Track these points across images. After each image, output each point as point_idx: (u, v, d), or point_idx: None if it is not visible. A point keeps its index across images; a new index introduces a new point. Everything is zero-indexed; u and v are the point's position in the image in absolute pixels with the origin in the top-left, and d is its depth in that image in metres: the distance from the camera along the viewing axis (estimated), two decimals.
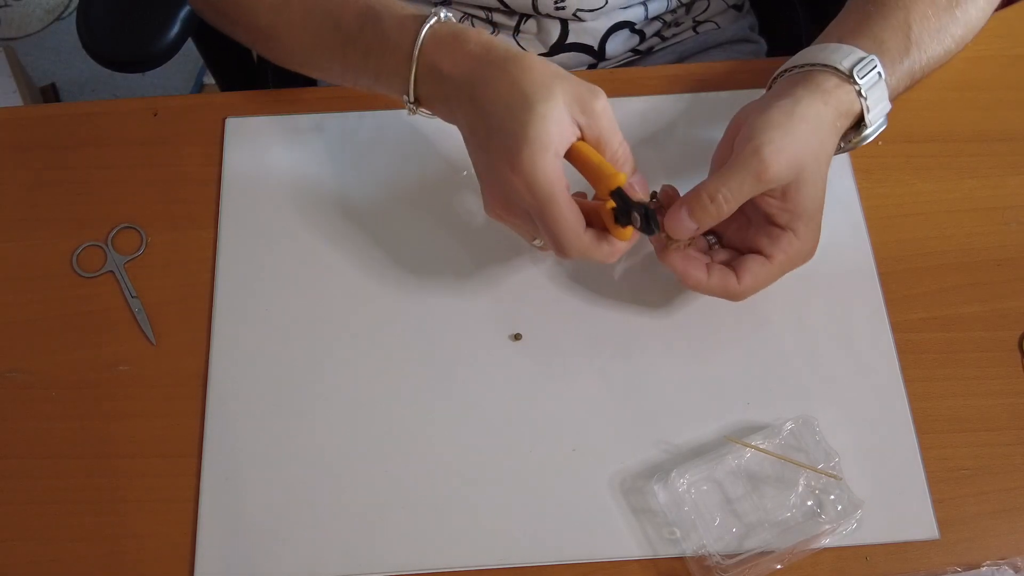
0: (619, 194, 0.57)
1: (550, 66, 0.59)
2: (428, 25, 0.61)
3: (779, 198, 0.60)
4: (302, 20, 0.67)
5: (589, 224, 0.59)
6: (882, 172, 0.73)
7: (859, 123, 0.64)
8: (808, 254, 0.63)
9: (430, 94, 0.62)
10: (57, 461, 0.65)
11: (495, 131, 0.57)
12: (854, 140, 0.65)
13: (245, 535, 0.62)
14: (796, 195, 0.60)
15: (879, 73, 0.62)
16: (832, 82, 0.62)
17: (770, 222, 0.62)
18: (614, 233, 0.59)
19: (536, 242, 0.64)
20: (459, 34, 0.60)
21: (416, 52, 0.61)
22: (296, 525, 0.62)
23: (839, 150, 0.64)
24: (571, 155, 0.59)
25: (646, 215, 0.57)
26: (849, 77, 0.62)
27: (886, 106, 0.64)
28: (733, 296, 0.62)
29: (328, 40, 0.66)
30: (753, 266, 0.62)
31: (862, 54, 0.62)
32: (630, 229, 0.58)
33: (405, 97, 0.63)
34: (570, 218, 0.57)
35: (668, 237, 0.61)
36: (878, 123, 0.64)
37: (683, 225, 0.60)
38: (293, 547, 0.62)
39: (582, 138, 0.59)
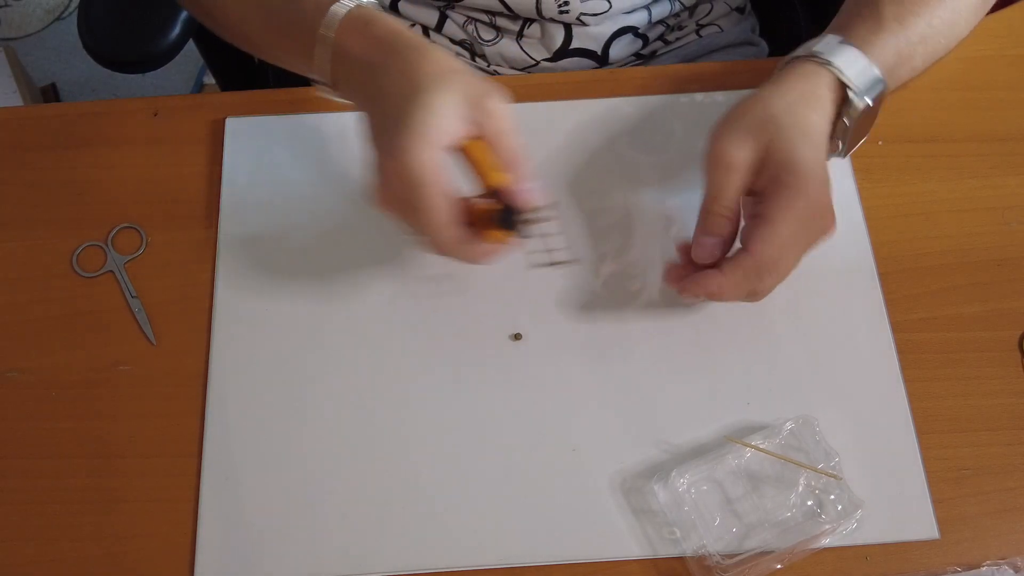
0: (496, 196, 0.56)
1: (451, 61, 0.58)
2: (342, 5, 0.60)
3: (762, 164, 0.59)
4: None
5: (474, 225, 0.58)
6: (882, 172, 0.73)
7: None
8: (817, 209, 0.59)
9: (339, 76, 0.61)
10: (57, 461, 0.65)
11: (383, 117, 0.57)
12: (851, 111, 0.62)
13: (245, 535, 0.62)
14: (774, 148, 0.58)
15: (839, 41, 0.62)
16: (790, 64, 0.63)
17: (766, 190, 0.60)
18: (486, 235, 0.58)
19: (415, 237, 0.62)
20: (371, 19, 0.60)
21: (326, 32, 0.60)
22: (296, 525, 0.62)
23: (848, 132, 0.62)
24: (464, 152, 0.58)
25: (512, 217, 0.56)
26: (809, 55, 0.62)
27: (867, 68, 0.62)
28: (757, 278, 0.59)
29: (255, 15, 0.66)
30: (758, 231, 0.58)
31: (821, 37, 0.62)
32: (502, 232, 0.58)
33: (319, 78, 0.62)
34: (439, 210, 0.56)
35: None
36: (868, 84, 0.62)
37: (700, 242, 0.61)
38: (293, 547, 0.62)
39: (478, 136, 0.58)
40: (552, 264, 0.60)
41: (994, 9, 0.73)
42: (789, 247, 0.59)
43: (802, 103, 0.61)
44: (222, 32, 0.72)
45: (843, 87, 0.62)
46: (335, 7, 0.60)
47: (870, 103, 0.62)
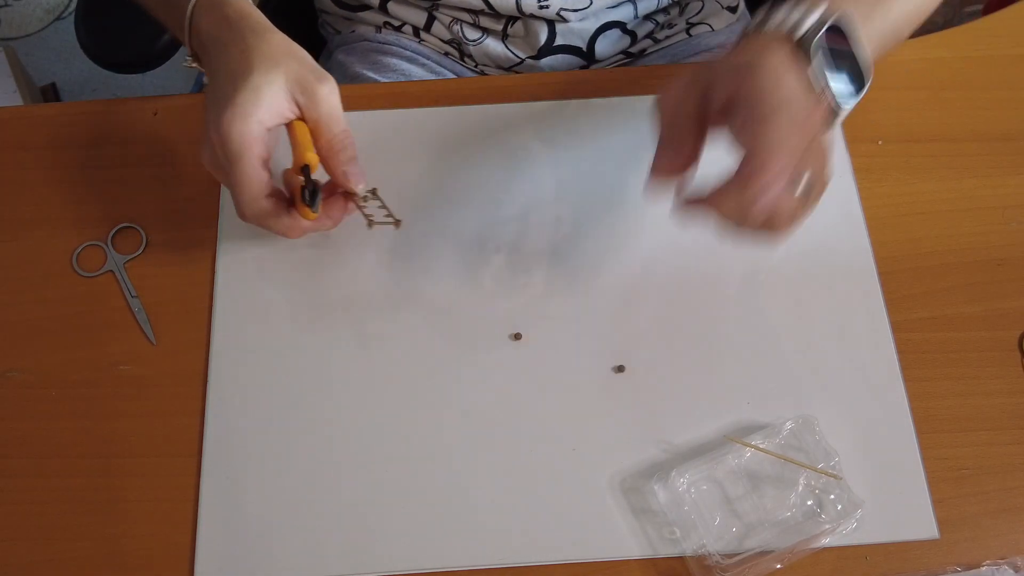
0: (305, 173, 0.61)
1: (288, 45, 0.63)
2: None
3: (732, 103, 0.56)
4: None
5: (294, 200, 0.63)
6: (882, 172, 0.73)
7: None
8: (798, 119, 0.55)
9: (195, 50, 0.66)
10: (57, 461, 0.65)
11: (216, 90, 0.61)
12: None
13: (245, 535, 0.62)
14: (743, 86, 0.55)
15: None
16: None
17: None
18: (300, 210, 0.63)
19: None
20: (224, 1, 0.64)
21: (189, 9, 0.64)
22: (296, 525, 0.62)
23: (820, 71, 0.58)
24: (288, 130, 0.63)
25: (312, 192, 0.61)
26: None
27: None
28: (752, 180, 0.54)
29: None
30: (742, 149, 0.55)
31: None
32: (308, 208, 0.62)
33: (186, 51, 0.67)
34: (251, 180, 0.60)
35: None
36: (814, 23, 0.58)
37: (658, 153, 0.59)
38: (293, 547, 0.62)
39: (302, 119, 0.63)
40: (370, 224, 0.66)
41: (994, 9, 0.73)
42: (774, 153, 0.54)
43: (763, 40, 0.57)
44: None
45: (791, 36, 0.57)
46: None
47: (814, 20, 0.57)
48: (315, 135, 0.63)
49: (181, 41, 0.67)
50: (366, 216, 0.66)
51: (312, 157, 0.62)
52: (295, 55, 0.62)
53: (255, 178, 0.61)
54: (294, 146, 0.63)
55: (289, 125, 0.63)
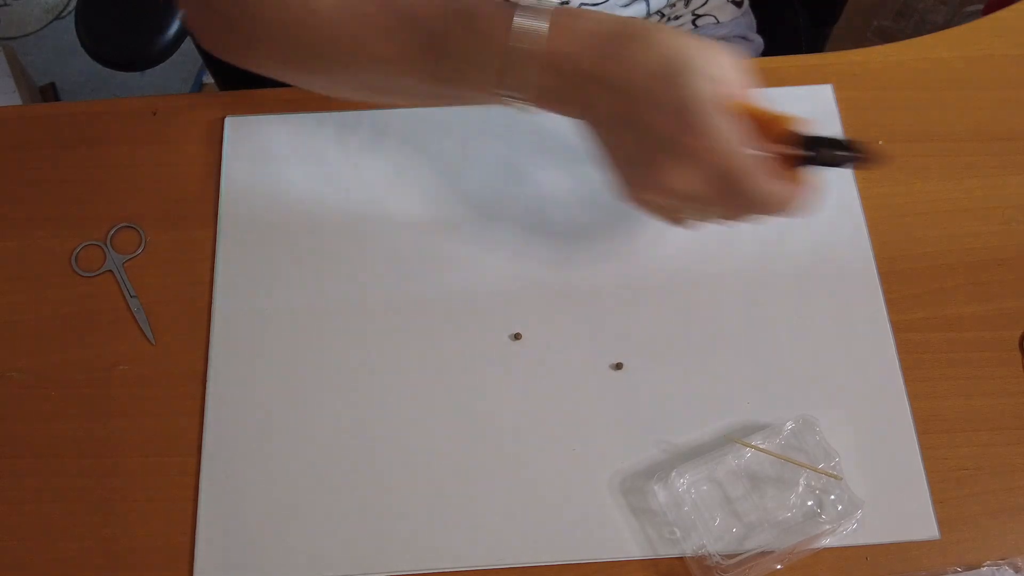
0: (808, 137, 0.54)
1: (680, 31, 0.55)
2: (531, 12, 0.54)
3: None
4: (358, 17, 0.58)
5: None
6: (882, 172, 0.73)
7: None
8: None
9: (549, 87, 0.56)
10: (56, 461, 0.65)
11: (649, 106, 0.53)
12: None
13: (244, 534, 0.62)
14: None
15: None
16: None
17: None
18: (796, 179, 0.55)
19: (688, 218, 0.60)
20: (576, 14, 0.55)
21: (521, 44, 0.54)
22: (295, 525, 0.62)
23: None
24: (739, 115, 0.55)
25: (828, 148, 0.54)
26: None
27: None
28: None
29: (397, 38, 0.58)
30: None
31: None
32: (809, 170, 0.55)
33: (514, 95, 0.57)
34: (761, 170, 0.53)
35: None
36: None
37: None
38: (292, 547, 0.62)
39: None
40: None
41: (994, 9, 0.73)
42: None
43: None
44: (263, 48, 0.63)
45: None
46: (521, 19, 0.54)
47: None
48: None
49: (469, 92, 0.58)
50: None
51: (793, 118, 0.54)
52: (694, 36, 0.54)
53: (767, 173, 0.53)
54: (763, 121, 0.54)
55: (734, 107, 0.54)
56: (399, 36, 0.58)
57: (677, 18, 0.88)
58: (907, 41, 0.71)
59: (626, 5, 0.82)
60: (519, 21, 0.54)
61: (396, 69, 0.59)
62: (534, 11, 0.55)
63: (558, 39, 0.54)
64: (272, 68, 0.65)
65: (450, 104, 0.62)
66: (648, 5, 0.83)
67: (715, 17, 0.89)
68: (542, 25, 0.54)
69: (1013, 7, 0.80)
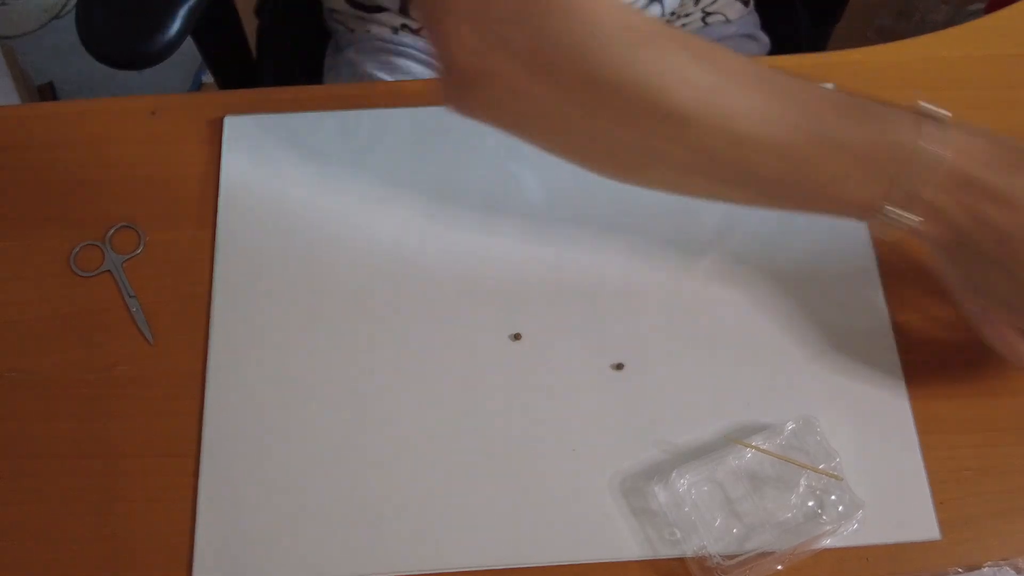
0: None
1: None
2: (934, 114, 0.51)
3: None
4: (758, 103, 0.53)
5: None
6: None
7: None
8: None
9: (943, 204, 0.51)
10: (54, 461, 0.64)
11: None
12: None
13: (243, 535, 0.62)
14: None
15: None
16: None
17: None
18: None
19: None
20: (975, 129, 0.53)
21: (930, 145, 0.50)
22: (295, 525, 0.62)
23: None
24: None
25: None
26: None
27: None
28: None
29: (789, 131, 0.53)
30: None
31: None
32: None
33: (901, 213, 0.52)
34: None
35: None
36: None
37: None
38: (291, 548, 0.62)
39: None
40: None
41: (996, 8, 0.73)
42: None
43: None
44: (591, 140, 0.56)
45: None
46: (933, 126, 0.50)
47: None
48: None
49: (847, 203, 0.53)
50: None
51: None
52: None
53: None
54: None
55: None
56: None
57: (687, 16, 0.88)
58: (908, 40, 0.71)
59: (644, 7, 0.82)
60: (928, 130, 0.50)
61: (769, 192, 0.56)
62: (937, 119, 0.50)
63: (961, 150, 0.51)
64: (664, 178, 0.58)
65: (781, 209, 0.57)
66: (663, 6, 0.83)
67: (724, 15, 0.89)
68: (947, 134, 0.50)
69: (1015, 6, 0.79)
